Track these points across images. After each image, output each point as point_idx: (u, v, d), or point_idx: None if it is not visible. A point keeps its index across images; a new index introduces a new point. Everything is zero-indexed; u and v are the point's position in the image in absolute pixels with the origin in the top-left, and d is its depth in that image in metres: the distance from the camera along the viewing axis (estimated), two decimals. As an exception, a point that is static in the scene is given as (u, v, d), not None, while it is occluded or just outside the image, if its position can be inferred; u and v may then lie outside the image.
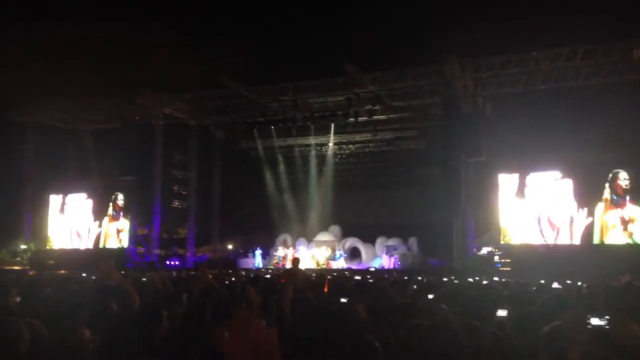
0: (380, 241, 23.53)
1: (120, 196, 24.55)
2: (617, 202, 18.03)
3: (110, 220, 24.74)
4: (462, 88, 19.31)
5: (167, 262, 23.56)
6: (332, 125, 22.83)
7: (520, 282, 9.56)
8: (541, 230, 18.83)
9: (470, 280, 11.49)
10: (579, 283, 9.44)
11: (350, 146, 24.94)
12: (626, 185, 17.92)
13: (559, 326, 2.55)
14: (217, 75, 20.39)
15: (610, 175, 18.05)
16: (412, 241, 22.81)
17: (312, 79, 20.84)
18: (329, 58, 19.34)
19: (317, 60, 19.98)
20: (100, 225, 24.92)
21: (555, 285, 8.63)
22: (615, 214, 17.99)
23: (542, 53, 18.27)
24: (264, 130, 23.75)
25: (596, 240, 18.07)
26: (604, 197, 18.12)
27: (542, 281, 9.64)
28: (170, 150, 24.06)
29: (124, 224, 24.29)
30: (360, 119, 21.32)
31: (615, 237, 17.91)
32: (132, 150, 23.69)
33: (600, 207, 18.13)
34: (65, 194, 25.67)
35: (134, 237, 23.75)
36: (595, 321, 3.26)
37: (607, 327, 3.25)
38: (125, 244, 23.99)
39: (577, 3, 16.82)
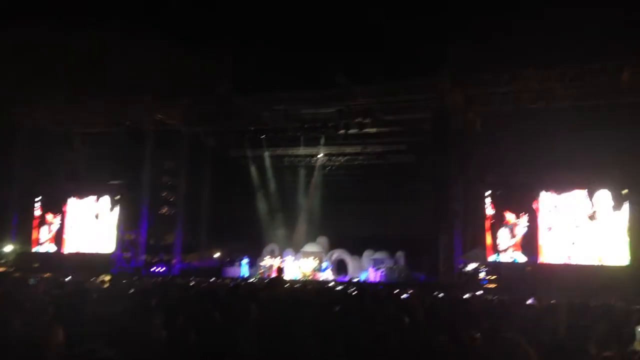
0: (367, 254, 23.49)
1: (110, 202, 24.53)
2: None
3: (98, 226, 24.69)
4: (452, 103, 19.42)
5: (153, 269, 23.42)
6: (323, 136, 22.86)
7: (502, 298, 9.60)
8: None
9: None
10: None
11: (340, 158, 24.97)
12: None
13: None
14: (211, 83, 20.42)
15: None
16: (399, 255, 22.77)
17: (304, 90, 20.89)
18: (322, 70, 19.44)
19: (310, 71, 20.06)
20: (88, 229, 24.84)
21: (529, 301, 8.65)
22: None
23: (532, 73, 18.42)
24: (254, 140, 23.73)
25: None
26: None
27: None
28: (160, 156, 23.98)
29: (112, 230, 24.23)
30: (350, 131, 21.36)
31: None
32: (122, 155, 23.62)
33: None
34: (53, 197, 25.56)
35: (120, 242, 23.64)
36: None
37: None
38: (112, 249, 23.90)
39: (567, 24, 17.03)
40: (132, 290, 8.99)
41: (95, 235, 24.68)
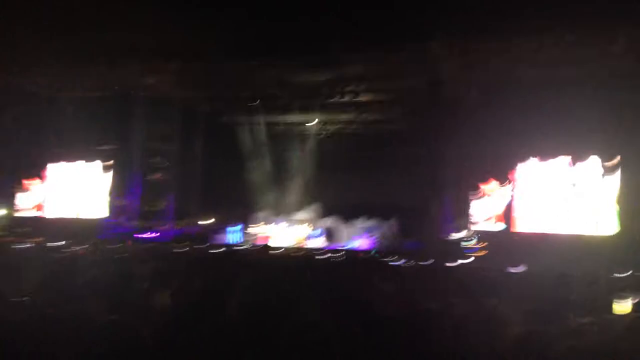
0: (358, 222, 23.63)
1: (101, 167, 24.46)
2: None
3: (88, 191, 24.65)
4: (447, 71, 19.26)
5: (144, 235, 23.47)
6: (316, 103, 22.69)
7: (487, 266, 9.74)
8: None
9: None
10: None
11: (333, 126, 24.88)
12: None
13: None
14: (203, 48, 20.09)
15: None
16: (391, 223, 22.93)
17: (297, 56, 20.59)
18: (314, 35, 19.12)
19: (303, 37, 19.73)
20: (78, 195, 24.79)
21: (513, 270, 8.81)
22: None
23: (529, 40, 18.21)
24: (247, 106, 23.55)
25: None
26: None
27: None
28: (151, 122, 23.79)
29: (103, 194, 24.19)
30: (343, 98, 21.21)
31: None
32: (112, 119, 23.42)
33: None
34: (41, 161, 25.41)
35: (111, 208, 23.64)
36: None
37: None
38: (103, 215, 23.89)
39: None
40: (123, 256, 9.03)
41: (85, 200, 24.65)
